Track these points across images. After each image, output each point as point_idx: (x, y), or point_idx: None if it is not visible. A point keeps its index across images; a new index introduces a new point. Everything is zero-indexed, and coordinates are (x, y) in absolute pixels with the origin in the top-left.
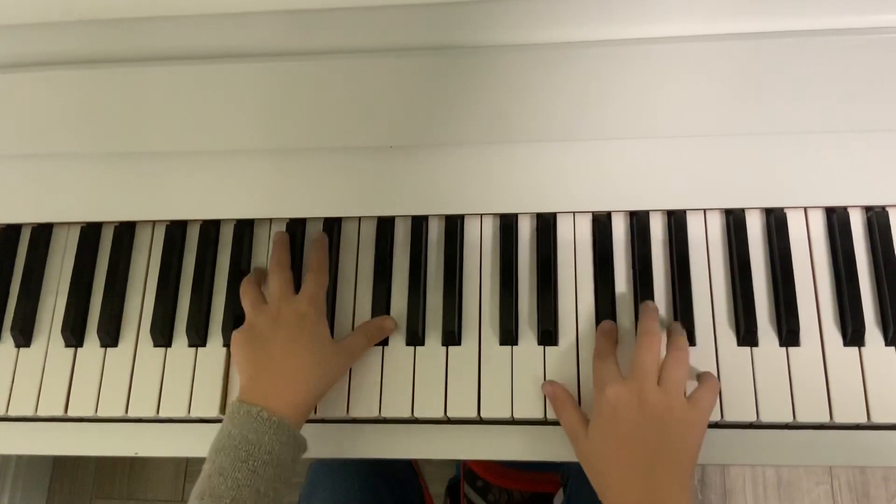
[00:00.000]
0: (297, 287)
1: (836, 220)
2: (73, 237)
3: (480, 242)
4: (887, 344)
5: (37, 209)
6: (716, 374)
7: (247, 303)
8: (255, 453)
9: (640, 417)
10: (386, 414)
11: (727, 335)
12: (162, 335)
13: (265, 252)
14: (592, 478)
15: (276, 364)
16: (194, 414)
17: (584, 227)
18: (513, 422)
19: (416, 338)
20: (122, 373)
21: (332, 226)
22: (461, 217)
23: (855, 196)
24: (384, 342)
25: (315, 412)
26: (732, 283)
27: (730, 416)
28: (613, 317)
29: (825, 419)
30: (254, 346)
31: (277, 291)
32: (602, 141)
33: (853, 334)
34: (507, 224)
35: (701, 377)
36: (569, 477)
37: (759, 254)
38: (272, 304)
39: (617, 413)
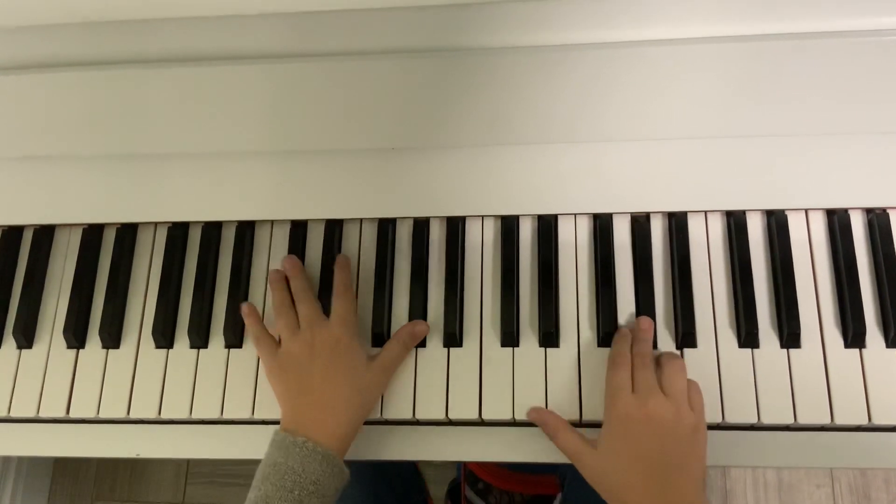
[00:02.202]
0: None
1: (837, 222)
2: (75, 239)
3: (482, 244)
4: (888, 346)
5: (39, 211)
6: (717, 376)
7: (283, 325)
8: (301, 483)
9: (651, 432)
10: (388, 415)
11: (728, 337)
12: (163, 337)
13: (267, 254)
14: (604, 494)
15: (317, 394)
16: (196, 416)
17: (585, 229)
18: (514, 423)
19: None
20: (124, 374)
21: (334, 228)
22: (463, 219)
23: (855, 198)
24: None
25: None
26: (733, 285)
27: (731, 418)
28: (614, 319)
29: (826, 421)
30: (292, 375)
31: (309, 316)
32: (603, 143)
33: (854, 336)
34: (509, 226)
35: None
36: (565, 479)
37: (759, 256)
38: (305, 329)
39: (629, 428)
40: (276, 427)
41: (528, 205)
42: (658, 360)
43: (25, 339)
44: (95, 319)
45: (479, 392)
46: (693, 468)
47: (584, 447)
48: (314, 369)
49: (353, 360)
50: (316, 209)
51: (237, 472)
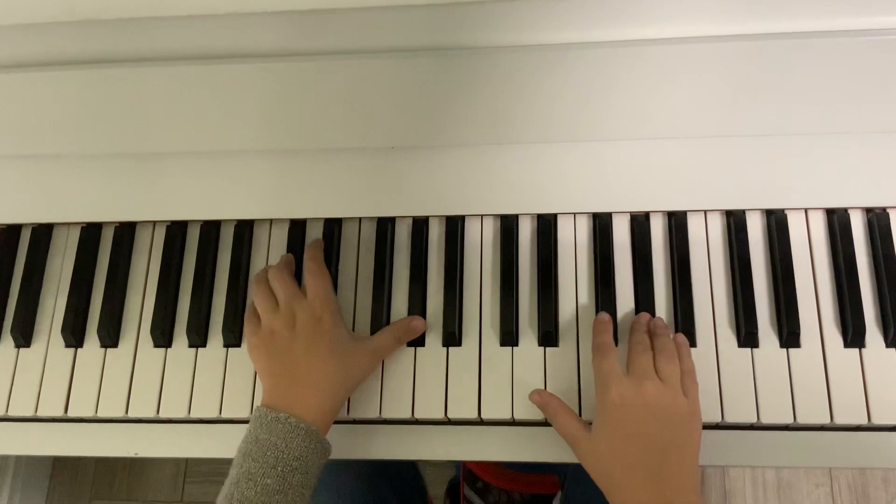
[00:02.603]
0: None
1: (837, 221)
2: (74, 238)
3: (481, 243)
4: (888, 345)
5: (37, 210)
6: (716, 376)
7: (260, 303)
8: (285, 459)
9: (646, 415)
10: (386, 415)
11: (728, 336)
12: (162, 336)
13: (265, 253)
14: (599, 479)
15: (300, 371)
16: (194, 415)
17: (585, 229)
18: (513, 423)
19: (416, 339)
20: (123, 373)
21: (333, 227)
22: (462, 218)
23: (855, 197)
24: None
25: None
26: (733, 285)
27: (730, 418)
28: (614, 318)
29: (825, 420)
30: (274, 353)
31: (287, 295)
32: (602, 142)
33: (854, 335)
34: (508, 225)
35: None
36: (565, 477)
37: (759, 255)
38: (284, 308)
39: (623, 412)
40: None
41: (527, 204)
42: (653, 345)
43: (23, 337)
44: (94, 318)
45: (478, 391)
46: (688, 454)
47: (581, 431)
48: (296, 346)
49: (336, 337)
50: (315, 208)
51: None
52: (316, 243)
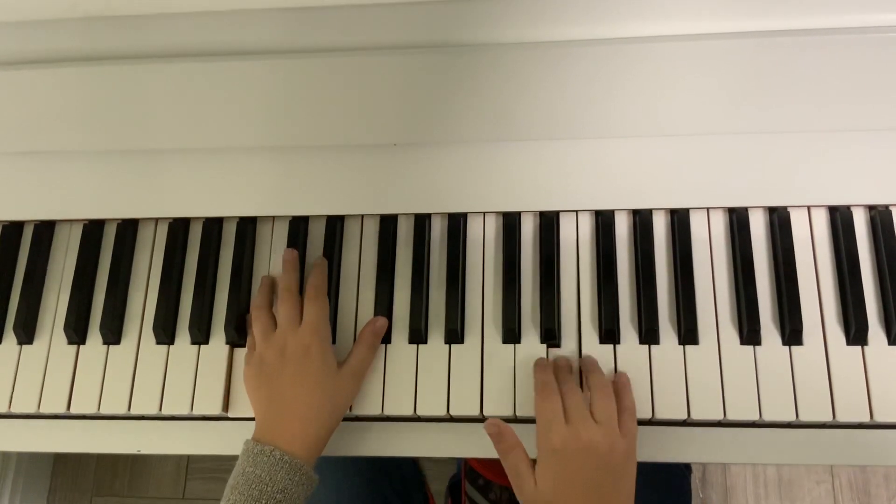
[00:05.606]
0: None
1: (840, 218)
2: (76, 234)
3: (483, 241)
4: (890, 343)
5: (39, 206)
6: (718, 373)
7: (257, 330)
8: (268, 492)
9: (586, 461)
10: (389, 412)
11: (730, 334)
12: (164, 332)
13: (267, 250)
14: None
15: (287, 403)
16: (197, 411)
17: (587, 226)
18: (515, 420)
19: (418, 336)
20: (125, 370)
21: (335, 224)
22: (464, 215)
23: (858, 195)
24: (387, 339)
25: None
26: (735, 282)
27: (732, 415)
28: (616, 316)
29: (828, 418)
30: (264, 382)
31: (285, 321)
32: (605, 139)
33: (856, 333)
34: (510, 222)
35: (617, 401)
36: None
37: (762, 253)
38: (279, 334)
39: (565, 458)
40: (249, 437)
41: (529, 201)
42: (587, 383)
43: (26, 334)
44: (96, 315)
45: (480, 388)
46: (623, 487)
47: (529, 473)
48: (284, 377)
49: (324, 367)
50: (317, 205)
51: None
52: (319, 267)
